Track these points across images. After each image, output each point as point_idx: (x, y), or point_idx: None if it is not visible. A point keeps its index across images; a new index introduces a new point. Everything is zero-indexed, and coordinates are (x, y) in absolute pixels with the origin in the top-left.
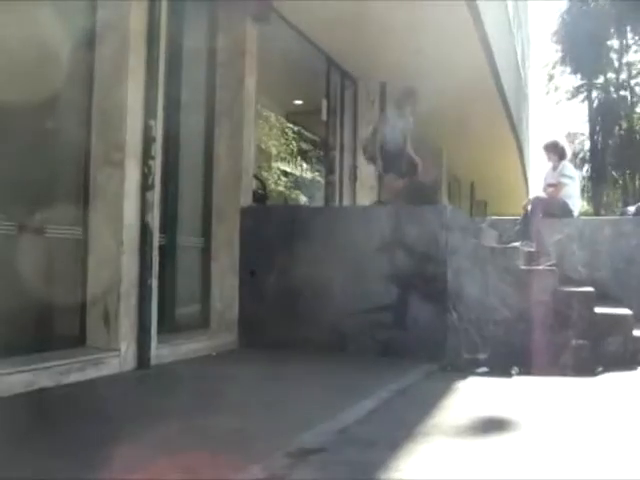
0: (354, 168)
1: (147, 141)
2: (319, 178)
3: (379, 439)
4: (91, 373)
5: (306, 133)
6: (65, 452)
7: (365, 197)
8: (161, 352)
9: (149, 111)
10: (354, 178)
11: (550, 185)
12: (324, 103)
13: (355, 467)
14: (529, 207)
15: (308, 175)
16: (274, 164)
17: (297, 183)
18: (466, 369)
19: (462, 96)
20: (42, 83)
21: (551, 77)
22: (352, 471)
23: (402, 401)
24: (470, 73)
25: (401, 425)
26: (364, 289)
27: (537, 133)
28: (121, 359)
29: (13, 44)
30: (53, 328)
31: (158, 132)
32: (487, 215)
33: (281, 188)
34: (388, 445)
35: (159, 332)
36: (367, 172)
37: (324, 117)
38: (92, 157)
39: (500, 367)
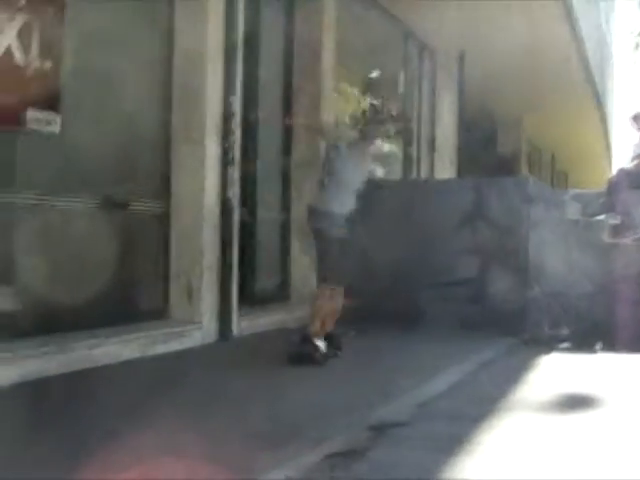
0: (432, 140)
1: (227, 117)
2: (396, 151)
3: (460, 413)
4: (174, 345)
5: (383, 104)
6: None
7: (444, 170)
8: (242, 325)
9: (228, 87)
10: (432, 150)
11: (637, 156)
12: (401, 74)
13: (436, 441)
14: (614, 179)
15: (385, 147)
16: None
17: (374, 156)
18: (548, 344)
19: (543, 66)
20: (124, 62)
21: (637, 45)
22: (433, 445)
23: (483, 375)
24: (552, 43)
25: (483, 399)
26: (444, 262)
27: (623, 104)
28: (203, 332)
29: (97, 30)
30: (137, 301)
31: (237, 108)
32: (568, 187)
33: None
34: (470, 419)
35: (240, 305)
36: (446, 144)
37: (401, 88)
38: (173, 133)
39: (583, 343)
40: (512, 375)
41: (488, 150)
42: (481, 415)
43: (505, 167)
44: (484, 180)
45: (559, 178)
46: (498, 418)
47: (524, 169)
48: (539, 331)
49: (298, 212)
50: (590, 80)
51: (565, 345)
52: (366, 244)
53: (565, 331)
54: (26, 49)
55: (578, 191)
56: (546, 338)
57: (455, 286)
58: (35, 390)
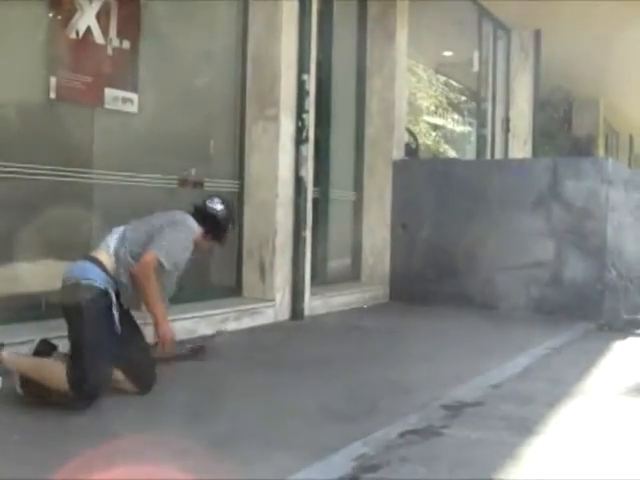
0: (506, 120)
1: (301, 95)
2: (470, 130)
3: (534, 396)
4: (247, 322)
5: (456, 85)
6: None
7: (518, 150)
8: (314, 303)
9: (302, 66)
10: (507, 130)
11: None
12: (476, 54)
13: (510, 422)
14: None
15: (459, 128)
16: (424, 117)
17: (447, 136)
18: (625, 329)
19: (624, 44)
20: (199, 42)
21: None
22: (508, 426)
23: (558, 359)
24: (634, 20)
25: (556, 383)
26: (518, 244)
27: None
28: (276, 309)
29: (173, 10)
30: (212, 279)
31: (311, 86)
32: None
33: (430, 141)
34: (543, 402)
35: (312, 284)
36: (521, 125)
37: (476, 68)
38: (247, 111)
39: None
40: (586, 359)
41: (563, 131)
42: (555, 398)
43: (581, 148)
44: (560, 160)
45: (637, 161)
46: (572, 401)
47: (600, 150)
48: (616, 316)
49: (371, 190)
50: None
51: None
52: (439, 225)
53: None
54: (105, 30)
55: None
56: (623, 323)
57: (530, 269)
58: None
